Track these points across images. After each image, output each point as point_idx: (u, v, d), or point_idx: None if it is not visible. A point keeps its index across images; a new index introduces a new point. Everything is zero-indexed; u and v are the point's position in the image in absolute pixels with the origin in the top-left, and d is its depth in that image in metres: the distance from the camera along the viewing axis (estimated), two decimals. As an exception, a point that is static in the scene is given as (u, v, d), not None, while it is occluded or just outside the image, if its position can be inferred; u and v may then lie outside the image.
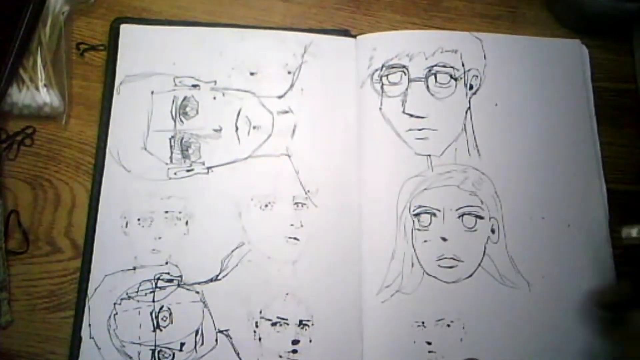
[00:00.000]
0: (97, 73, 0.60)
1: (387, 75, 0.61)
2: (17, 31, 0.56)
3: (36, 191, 0.56)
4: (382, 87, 0.60)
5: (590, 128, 0.61)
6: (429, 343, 0.54)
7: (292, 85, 0.60)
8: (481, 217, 0.57)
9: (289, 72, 0.60)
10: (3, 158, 0.57)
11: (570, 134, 0.61)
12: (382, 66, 0.61)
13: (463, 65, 0.62)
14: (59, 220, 0.56)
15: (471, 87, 0.61)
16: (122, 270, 0.54)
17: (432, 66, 0.61)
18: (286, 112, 0.59)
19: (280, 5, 0.64)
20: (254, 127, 0.58)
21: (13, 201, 0.56)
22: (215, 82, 0.60)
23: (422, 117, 0.60)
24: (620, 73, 0.66)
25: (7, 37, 0.56)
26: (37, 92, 0.57)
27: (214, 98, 0.59)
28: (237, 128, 0.58)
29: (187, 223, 0.56)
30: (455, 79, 0.61)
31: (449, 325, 0.54)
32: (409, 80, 0.61)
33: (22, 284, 0.54)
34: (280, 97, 0.60)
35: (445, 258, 0.56)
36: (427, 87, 0.61)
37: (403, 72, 0.61)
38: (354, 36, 0.63)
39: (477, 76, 0.61)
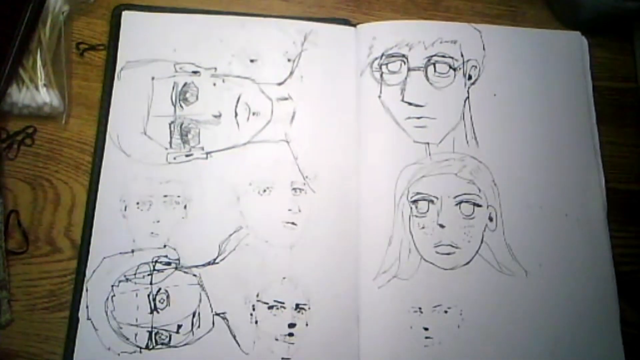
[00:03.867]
0: (97, 73, 0.60)
1: (386, 64, 0.61)
2: (17, 31, 0.56)
3: (36, 191, 0.56)
4: (381, 76, 0.61)
5: (589, 119, 0.62)
6: (426, 329, 0.54)
7: (291, 73, 0.60)
8: (479, 205, 0.57)
9: (289, 60, 0.61)
10: (3, 158, 0.57)
11: (568, 124, 0.61)
12: (382, 55, 0.61)
13: (462, 55, 0.62)
14: (58, 220, 0.56)
15: (470, 77, 0.62)
16: (120, 253, 0.54)
17: (432, 56, 0.62)
18: (285, 99, 0.60)
19: (279, 4, 0.65)
20: (253, 114, 0.59)
21: (13, 201, 0.56)
22: (215, 68, 0.60)
23: (421, 106, 0.60)
24: (621, 72, 0.66)
25: (7, 37, 0.56)
26: (37, 92, 0.57)
27: (214, 84, 0.60)
28: (236, 114, 0.59)
29: (185, 207, 0.56)
30: (454, 69, 0.62)
31: (446, 312, 0.55)
32: (409, 69, 0.61)
33: (22, 283, 0.54)
34: (279, 84, 0.60)
35: (443, 245, 0.56)
36: (426, 76, 0.61)
37: (402, 61, 0.61)
38: (354, 25, 0.63)
39: (475, 67, 0.62)
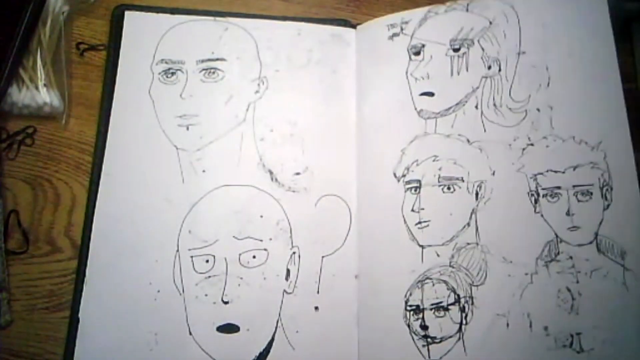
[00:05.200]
0: (97, 73, 0.60)
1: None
2: (17, 31, 0.57)
3: (36, 191, 0.56)
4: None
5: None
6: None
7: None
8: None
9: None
10: (3, 158, 0.57)
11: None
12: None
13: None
14: (58, 220, 0.56)
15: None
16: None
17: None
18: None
19: (279, 4, 0.65)
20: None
21: (13, 201, 0.56)
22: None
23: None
24: (620, 73, 0.65)
25: (7, 37, 0.56)
26: (37, 92, 0.57)
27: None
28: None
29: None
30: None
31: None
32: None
33: (22, 283, 0.54)
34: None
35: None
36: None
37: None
38: (354, 26, 0.63)
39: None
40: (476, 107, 0.57)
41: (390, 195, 0.56)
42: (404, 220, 0.55)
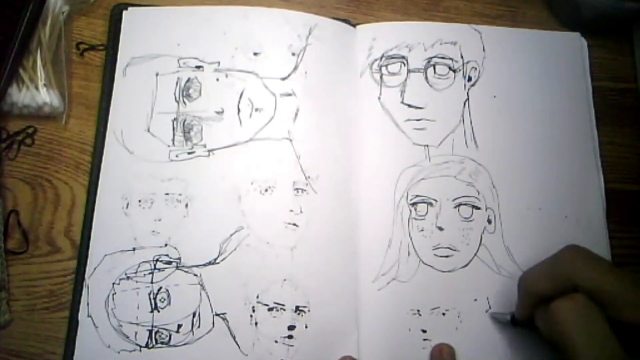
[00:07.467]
0: (97, 73, 0.60)
1: (386, 66, 0.61)
2: (17, 31, 0.56)
3: (36, 191, 0.56)
4: (381, 77, 0.61)
5: (589, 121, 0.62)
6: (424, 331, 0.54)
7: (295, 68, 0.60)
8: (478, 208, 0.58)
9: (293, 54, 0.60)
10: (3, 158, 0.57)
11: (568, 125, 0.61)
12: (382, 56, 0.62)
13: (462, 57, 0.62)
14: (58, 220, 0.56)
15: (470, 79, 0.62)
16: (121, 251, 0.54)
17: (431, 57, 0.62)
18: (289, 94, 0.59)
19: (279, 3, 0.64)
20: (256, 110, 0.58)
21: (13, 201, 0.56)
22: (218, 62, 0.60)
23: (421, 108, 0.60)
24: (620, 73, 0.66)
25: (7, 37, 0.56)
26: (37, 92, 0.57)
27: (217, 79, 0.59)
28: (239, 110, 0.58)
29: (187, 205, 0.56)
30: (454, 71, 0.62)
31: (444, 314, 0.55)
32: (408, 71, 0.61)
33: (22, 283, 0.54)
34: (283, 79, 0.59)
35: (442, 247, 0.56)
36: (426, 78, 0.61)
37: (402, 62, 0.61)
38: (354, 25, 0.63)
39: (475, 68, 0.62)
40: None
41: None
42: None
